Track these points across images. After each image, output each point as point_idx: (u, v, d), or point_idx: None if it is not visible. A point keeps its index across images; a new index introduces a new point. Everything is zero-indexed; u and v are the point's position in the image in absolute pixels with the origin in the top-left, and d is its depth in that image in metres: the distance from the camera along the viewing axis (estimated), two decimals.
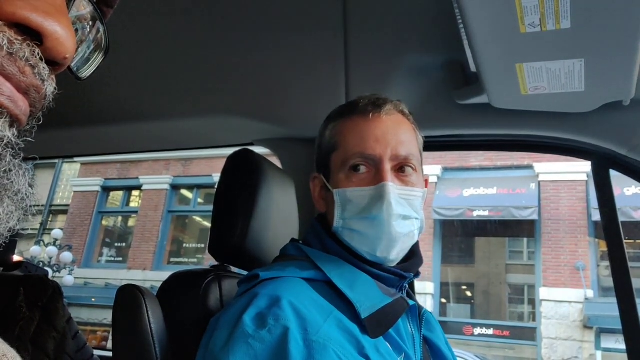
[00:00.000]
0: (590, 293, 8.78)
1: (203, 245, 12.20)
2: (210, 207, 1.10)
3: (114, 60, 1.27)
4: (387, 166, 0.86)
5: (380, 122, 0.89)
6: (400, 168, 0.89)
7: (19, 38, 0.32)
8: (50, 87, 0.36)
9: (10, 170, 0.34)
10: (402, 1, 1.04)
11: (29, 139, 0.36)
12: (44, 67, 0.35)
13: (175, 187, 12.64)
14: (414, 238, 0.90)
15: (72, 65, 0.41)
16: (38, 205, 13.42)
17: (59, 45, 0.34)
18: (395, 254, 0.87)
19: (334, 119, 0.97)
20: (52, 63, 0.36)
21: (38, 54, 0.34)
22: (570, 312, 8.86)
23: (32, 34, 0.33)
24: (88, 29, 0.42)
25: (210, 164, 11.85)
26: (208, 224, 11.93)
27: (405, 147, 0.89)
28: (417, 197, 0.89)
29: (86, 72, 0.43)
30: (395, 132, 0.89)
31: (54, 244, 10.87)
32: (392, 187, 0.85)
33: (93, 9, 0.41)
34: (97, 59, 0.44)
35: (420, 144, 0.96)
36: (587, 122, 1.22)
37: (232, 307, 0.78)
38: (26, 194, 0.35)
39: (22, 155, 0.35)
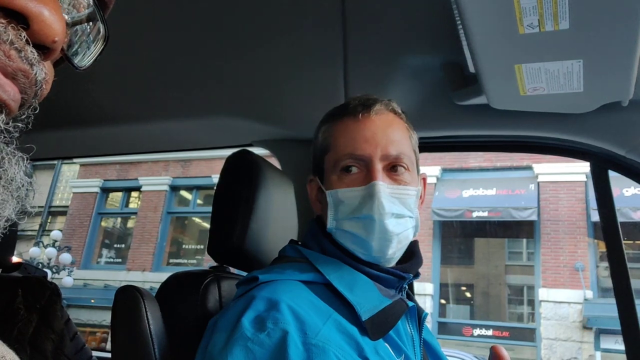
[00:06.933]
0: (589, 294, 8.78)
1: (202, 247, 12.19)
2: (210, 208, 1.10)
3: (112, 62, 1.28)
4: (378, 166, 0.86)
5: (369, 122, 0.89)
6: (392, 167, 0.88)
7: (3, 21, 0.31)
8: (40, 72, 0.35)
9: (3, 158, 0.33)
10: (401, 2, 1.04)
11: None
12: (31, 51, 0.33)
13: (174, 188, 12.63)
14: (409, 236, 0.89)
15: (74, 55, 0.40)
16: (37, 207, 13.42)
17: (46, 27, 0.33)
18: (391, 253, 0.86)
19: (326, 122, 0.97)
20: (42, 48, 0.34)
21: (24, 37, 0.32)
22: (570, 313, 8.86)
23: (18, 18, 0.32)
24: (85, 17, 0.41)
25: (209, 165, 11.85)
26: (207, 225, 11.91)
27: (396, 146, 0.88)
28: (411, 195, 0.88)
29: (84, 61, 0.42)
30: (385, 132, 0.89)
31: (53, 245, 10.86)
32: (383, 185, 0.84)
33: None
34: (97, 48, 0.43)
35: (415, 143, 0.96)
36: (586, 123, 1.22)
37: (230, 310, 0.78)
38: (21, 183, 0.34)
39: (15, 142, 0.34)
